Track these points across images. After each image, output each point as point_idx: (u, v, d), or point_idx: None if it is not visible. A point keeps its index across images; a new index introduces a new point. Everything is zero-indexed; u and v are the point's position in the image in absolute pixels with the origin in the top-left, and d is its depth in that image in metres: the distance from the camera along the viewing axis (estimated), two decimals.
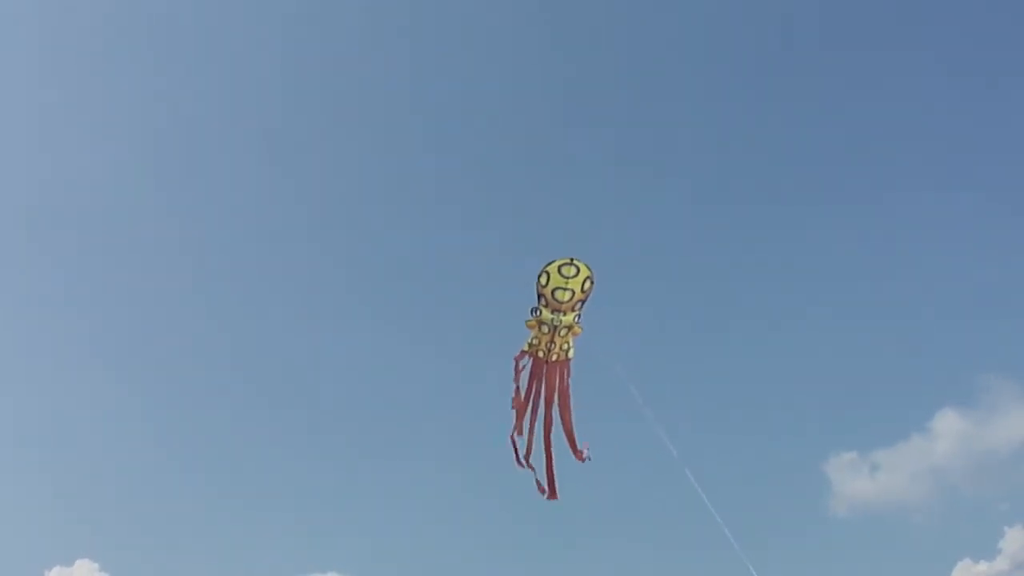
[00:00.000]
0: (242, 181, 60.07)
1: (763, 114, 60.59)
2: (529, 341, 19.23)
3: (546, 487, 19.20)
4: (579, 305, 19.15)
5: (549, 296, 18.97)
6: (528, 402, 19.32)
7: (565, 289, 18.95)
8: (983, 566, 43.95)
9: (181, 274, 57.57)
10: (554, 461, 19.32)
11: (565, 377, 19.43)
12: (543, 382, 19.33)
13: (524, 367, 19.29)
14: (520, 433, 19.22)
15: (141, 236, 57.20)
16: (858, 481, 49.36)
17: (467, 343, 53.32)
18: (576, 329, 19.31)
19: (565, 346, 19.29)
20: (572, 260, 19.04)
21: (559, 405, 19.38)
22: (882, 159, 58.75)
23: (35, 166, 57.54)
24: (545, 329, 19.09)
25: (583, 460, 19.09)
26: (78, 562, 44.43)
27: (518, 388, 19.18)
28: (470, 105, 60.25)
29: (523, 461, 19.20)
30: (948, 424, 49.32)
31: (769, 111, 60.20)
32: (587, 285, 19.10)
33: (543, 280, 18.98)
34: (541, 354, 19.20)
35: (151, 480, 49.89)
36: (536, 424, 19.25)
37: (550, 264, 18.97)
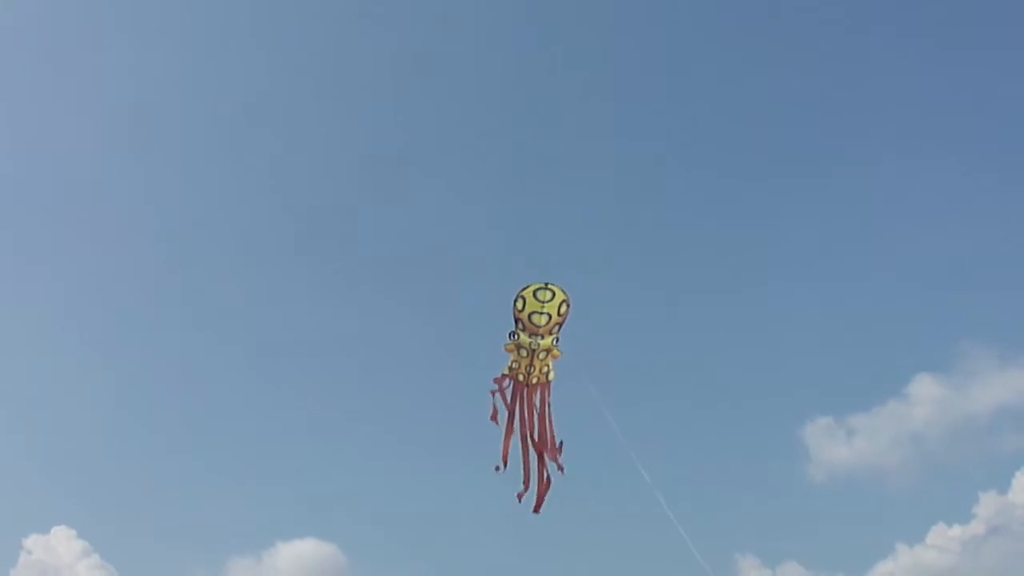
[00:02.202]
0: (243, 177, 61.58)
1: (732, 90, 61.33)
2: (509, 364, 19.75)
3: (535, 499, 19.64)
4: (556, 328, 19.68)
5: (526, 320, 19.53)
6: (511, 424, 19.77)
7: (541, 313, 19.50)
8: (957, 530, 44.22)
9: (164, 243, 58.26)
10: (543, 481, 19.78)
11: (546, 399, 19.88)
12: (524, 405, 19.79)
13: (507, 389, 19.75)
14: (506, 454, 19.69)
15: (113, 198, 58.47)
16: (835, 447, 49.52)
17: (451, 319, 54.28)
18: (555, 352, 19.80)
19: (545, 369, 19.78)
20: (547, 285, 19.65)
21: (539, 427, 19.79)
22: (860, 132, 59.40)
23: (34, 164, 59.13)
24: (524, 353, 19.59)
25: (561, 471, 19.63)
26: (55, 529, 44.54)
27: (496, 409, 19.63)
28: (467, 96, 61.97)
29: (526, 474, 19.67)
30: (925, 390, 49.46)
31: (737, 88, 60.99)
32: (563, 308, 19.63)
33: (519, 305, 19.55)
34: (521, 377, 19.69)
35: (129, 447, 50.15)
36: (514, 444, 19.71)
37: (525, 289, 19.58)
